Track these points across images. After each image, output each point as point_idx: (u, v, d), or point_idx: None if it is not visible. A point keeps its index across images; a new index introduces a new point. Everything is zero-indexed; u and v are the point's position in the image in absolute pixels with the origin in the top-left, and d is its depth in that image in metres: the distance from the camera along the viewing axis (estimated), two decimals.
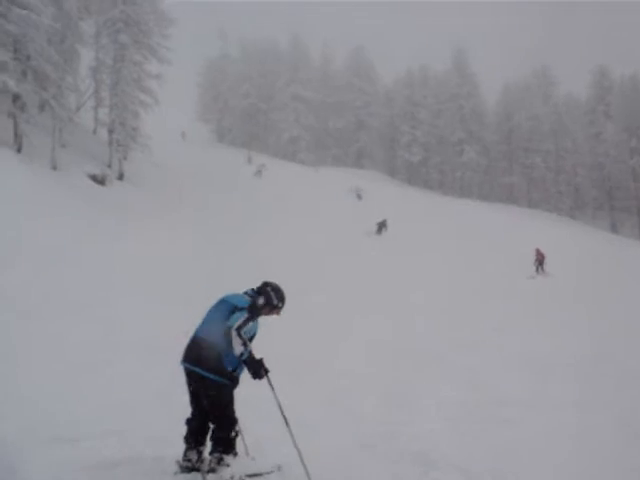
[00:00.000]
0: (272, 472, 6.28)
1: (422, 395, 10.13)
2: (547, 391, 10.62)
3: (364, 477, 6.64)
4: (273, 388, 6.09)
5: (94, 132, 43.04)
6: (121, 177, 37.21)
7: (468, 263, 31.61)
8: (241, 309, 6.03)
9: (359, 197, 50.73)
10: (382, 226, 40.26)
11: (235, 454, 6.14)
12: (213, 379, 5.90)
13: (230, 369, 5.95)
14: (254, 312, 6.08)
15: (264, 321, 6.30)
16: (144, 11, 39.39)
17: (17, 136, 29.42)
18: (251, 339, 6.15)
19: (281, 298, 6.39)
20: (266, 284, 6.42)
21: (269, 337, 6.84)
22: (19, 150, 29.10)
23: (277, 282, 6.52)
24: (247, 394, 6.35)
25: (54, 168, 30.58)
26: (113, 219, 27.93)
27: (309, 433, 7.86)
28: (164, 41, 41.52)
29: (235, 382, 6.04)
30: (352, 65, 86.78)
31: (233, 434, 6.10)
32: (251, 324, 5.98)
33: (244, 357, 5.90)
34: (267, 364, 6.06)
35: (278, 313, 6.44)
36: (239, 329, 5.84)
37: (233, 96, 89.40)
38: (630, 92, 71.28)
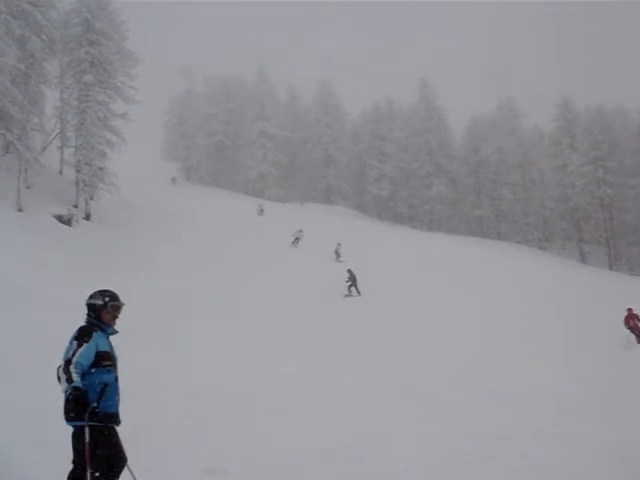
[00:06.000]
0: None
1: (397, 431, 9.94)
2: (522, 423, 10.47)
3: None
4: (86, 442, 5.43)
5: (60, 172, 42.68)
6: (88, 217, 36.80)
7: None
8: (71, 340, 5.62)
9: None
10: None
11: None
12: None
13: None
14: (83, 334, 5.62)
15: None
16: (109, 51, 39.34)
17: None
18: (113, 362, 5.78)
19: (100, 294, 5.91)
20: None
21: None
22: None
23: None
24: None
25: (20, 210, 30.24)
26: (77, 260, 27.45)
27: (287, 475, 7.67)
28: (129, 80, 41.49)
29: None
30: (319, 100, 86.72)
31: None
32: (86, 347, 5.49)
33: (67, 393, 5.34)
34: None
35: (115, 310, 5.88)
36: (68, 363, 5.41)
37: (199, 134, 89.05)
38: (596, 123, 72.21)
